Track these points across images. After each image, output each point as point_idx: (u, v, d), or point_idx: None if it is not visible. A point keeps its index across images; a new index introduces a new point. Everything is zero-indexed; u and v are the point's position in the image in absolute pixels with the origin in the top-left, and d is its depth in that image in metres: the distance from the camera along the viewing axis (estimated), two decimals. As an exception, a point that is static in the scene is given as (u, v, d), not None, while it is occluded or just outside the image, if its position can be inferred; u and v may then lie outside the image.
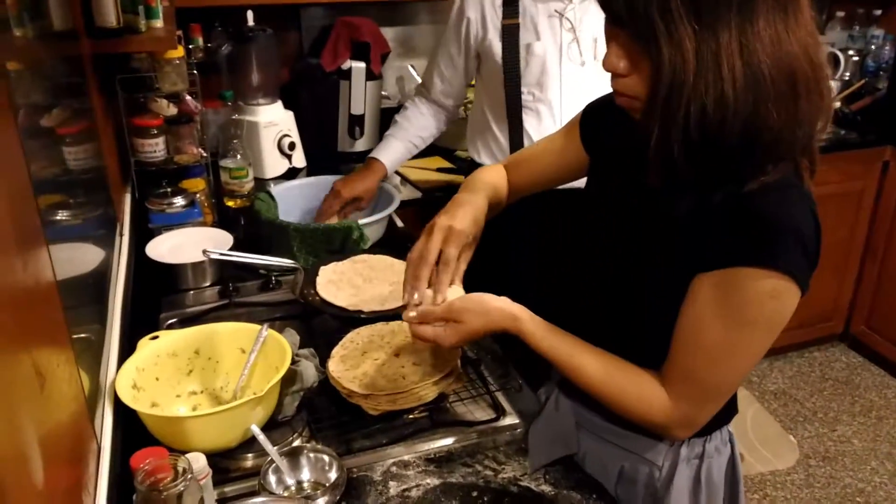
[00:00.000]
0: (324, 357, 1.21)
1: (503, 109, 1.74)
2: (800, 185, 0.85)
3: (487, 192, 1.14)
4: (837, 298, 3.00)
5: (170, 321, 1.42)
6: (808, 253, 0.82)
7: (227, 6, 2.21)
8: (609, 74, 0.87)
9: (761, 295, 0.83)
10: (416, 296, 1.03)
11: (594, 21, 1.66)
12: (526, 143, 1.74)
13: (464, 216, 1.06)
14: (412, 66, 2.55)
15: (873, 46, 3.02)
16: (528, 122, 1.73)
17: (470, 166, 1.87)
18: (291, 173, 2.23)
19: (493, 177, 1.21)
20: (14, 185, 0.71)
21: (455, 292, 1.05)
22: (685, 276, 0.89)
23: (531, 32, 1.68)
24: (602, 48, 0.87)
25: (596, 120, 1.12)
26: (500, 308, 0.99)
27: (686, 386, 0.91)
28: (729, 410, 1.03)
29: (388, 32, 2.45)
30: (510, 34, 1.69)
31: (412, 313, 1.02)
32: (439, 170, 2.33)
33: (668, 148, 0.81)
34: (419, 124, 1.93)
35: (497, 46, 1.70)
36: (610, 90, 0.90)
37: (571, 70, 1.69)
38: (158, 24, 1.58)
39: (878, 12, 3.08)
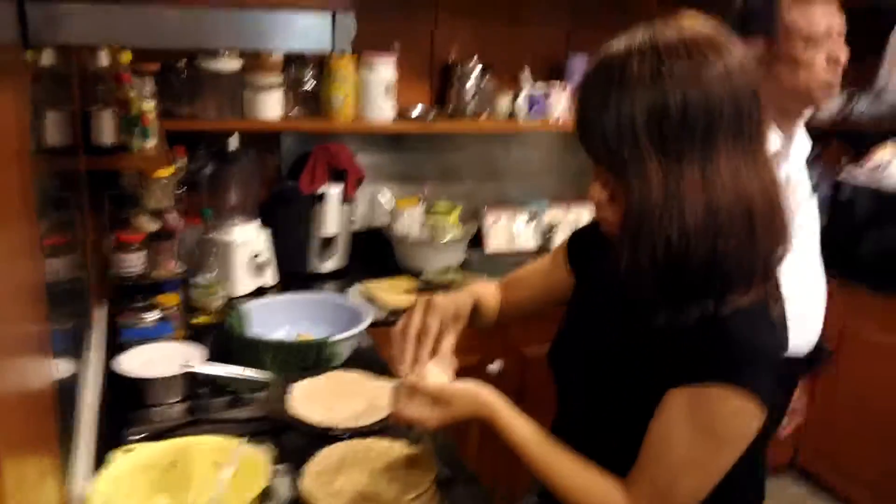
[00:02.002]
0: (297, 474, 1.22)
1: None
2: (768, 311, 0.93)
3: (471, 294, 1.20)
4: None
5: (138, 437, 1.41)
6: (772, 373, 0.91)
7: (212, 130, 2.32)
8: None
9: (730, 412, 0.90)
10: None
11: None
12: None
13: (444, 296, 1.12)
14: (384, 192, 2.66)
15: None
16: None
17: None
18: (261, 291, 2.27)
19: (481, 288, 1.28)
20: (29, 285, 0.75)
21: (438, 376, 1.06)
22: (657, 390, 0.95)
23: None
24: None
25: (581, 244, 1.23)
26: (486, 401, 1.02)
27: (650, 493, 0.95)
28: None
29: (363, 159, 2.57)
30: None
31: (413, 378, 1.04)
32: (408, 291, 2.40)
33: (638, 270, 0.89)
34: None
35: None
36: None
37: None
38: (151, 144, 1.66)
39: (814, 154, 3.34)
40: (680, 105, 0.84)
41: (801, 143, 1.71)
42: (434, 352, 1.08)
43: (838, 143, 3.44)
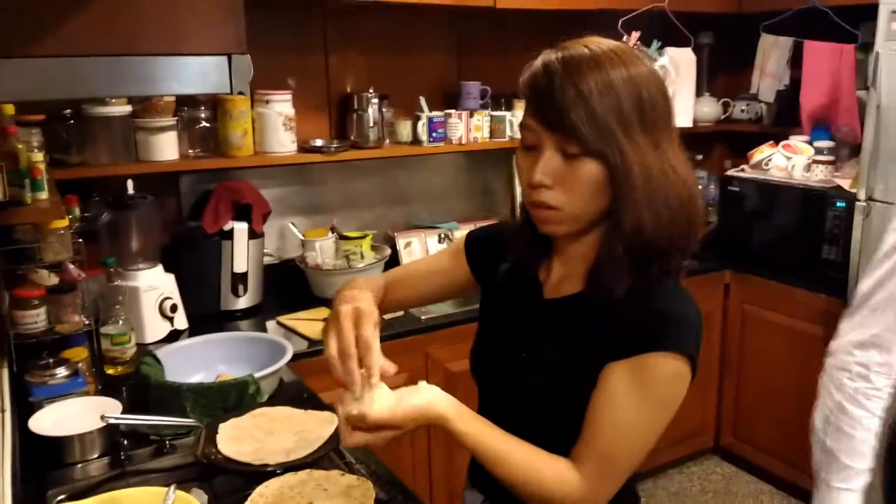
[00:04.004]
0: (234, 515, 1.19)
1: None
2: (681, 285, 1.03)
3: (372, 292, 1.15)
4: (705, 413, 3.22)
5: (59, 497, 1.34)
6: (699, 338, 0.99)
7: (105, 177, 2.25)
8: None
9: (667, 376, 0.97)
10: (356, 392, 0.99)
11: None
12: None
13: (364, 298, 1.06)
14: (293, 224, 2.64)
15: (700, 186, 3.45)
16: None
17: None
18: (174, 335, 2.21)
19: (370, 283, 1.22)
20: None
21: (386, 396, 0.99)
22: (592, 370, 1.00)
23: None
24: None
25: (479, 248, 1.27)
26: (437, 415, 0.99)
27: (600, 466, 0.99)
28: (634, 499, 1.12)
29: (268, 193, 2.55)
30: None
31: (357, 411, 0.97)
32: (326, 320, 2.38)
33: (613, 247, 0.98)
34: None
35: None
36: None
37: None
38: (43, 195, 1.59)
39: (700, 157, 3.55)
40: (647, 97, 0.96)
41: None
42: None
43: (720, 147, 3.67)
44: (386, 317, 1.30)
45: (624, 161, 0.94)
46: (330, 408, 1.50)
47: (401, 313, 2.38)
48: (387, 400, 0.98)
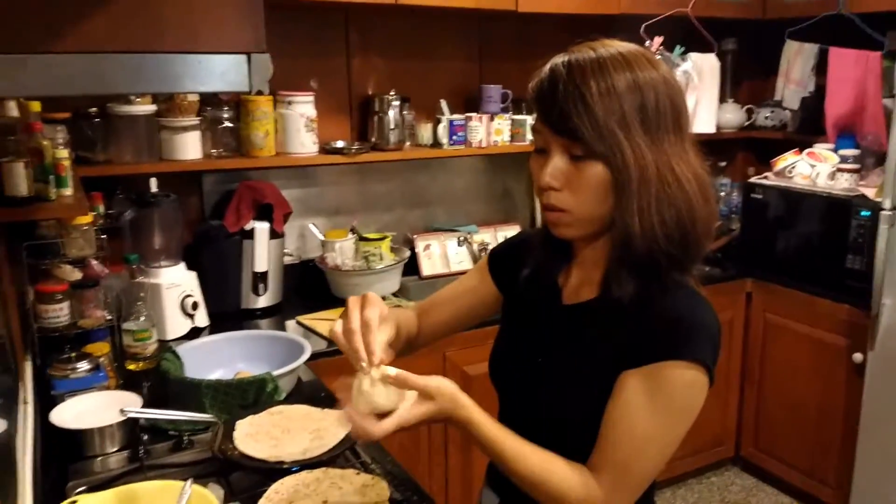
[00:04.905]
0: (249, 510, 1.20)
1: None
2: (700, 293, 1.01)
3: (401, 318, 1.16)
4: (725, 423, 3.19)
5: (78, 489, 1.36)
6: (716, 347, 0.98)
7: (129, 174, 2.28)
8: None
9: (683, 385, 0.96)
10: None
11: None
12: None
13: (374, 296, 1.05)
14: (313, 225, 2.66)
15: (723, 193, 3.42)
16: None
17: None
18: (194, 333, 2.23)
19: (400, 310, 1.24)
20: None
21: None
22: (608, 378, 0.99)
23: None
24: None
25: (502, 261, 1.26)
26: (464, 402, 0.98)
27: (616, 474, 0.98)
28: None
29: (289, 194, 2.57)
30: None
31: (391, 371, 0.96)
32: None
33: (618, 250, 0.98)
34: None
35: None
36: None
37: None
38: (68, 192, 1.62)
39: (723, 164, 3.52)
40: (652, 102, 0.96)
41: None
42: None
43: (743, 154, 3.64)
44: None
45: (625, 164, 0.94)
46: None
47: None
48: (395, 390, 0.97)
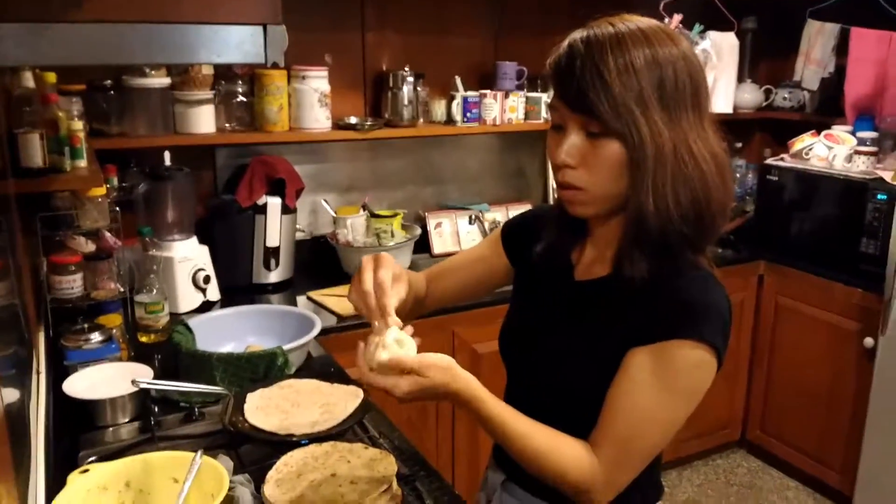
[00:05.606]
0: (258, 483, 1.21)
1: None
2: (713, 274, 1.00)
3: (412, 279, 1.16)
4: (732, 406, 3.19)
5: (90, 459, 1.38)
6: (726, 329, 0.97)
7: (143, 148, 2.28)
8: None
9: (690, 365, 0.95)
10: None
11: None
12: None
13: (385, 254, 1.06)
14: (325, 201, 2.66)
15: (738, 175, 3.39)
16: None
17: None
18: (206, 306, 2.24)
19: (410, 272, 1.22)
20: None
21: (408, 342, 0.99)
22: (615, 355, 0.99)
23: None
24: None
25: (515, 235, 1.26)
26: (462, 374, 0.97)
27: (616, 451, 0.99)
28: (657, 489, 1.10)
29: (301, 170, 2.57)
30: None
31: (384, 356, 0.96)
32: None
33: (631, 228, 0.97)
34: None
35: None
36: None
37: None
38: (83, 163, 1.63)
39: (739, 145, 3.49)
40: (670, 78, 0.94)
41: None
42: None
43: (760, 135, 3.60)
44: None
45: (641, 141, 0.93)
46: (357, 383, 1.51)
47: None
48: (410, 343, 0.99)
